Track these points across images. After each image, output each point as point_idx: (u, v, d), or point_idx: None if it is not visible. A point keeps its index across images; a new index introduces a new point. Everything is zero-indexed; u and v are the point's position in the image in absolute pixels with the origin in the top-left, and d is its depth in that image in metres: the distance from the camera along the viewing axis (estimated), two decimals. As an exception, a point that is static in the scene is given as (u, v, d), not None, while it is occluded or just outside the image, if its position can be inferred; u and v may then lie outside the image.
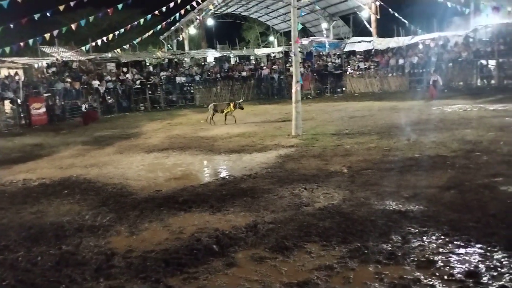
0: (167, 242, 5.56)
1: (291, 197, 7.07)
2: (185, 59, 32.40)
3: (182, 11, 24.82)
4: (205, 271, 4.71)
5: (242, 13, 43.58)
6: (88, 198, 7.88)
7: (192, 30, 37.99)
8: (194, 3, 23.93)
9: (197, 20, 34.20)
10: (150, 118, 20.84)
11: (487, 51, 24.44)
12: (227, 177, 8.81)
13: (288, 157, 10.08)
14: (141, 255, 5.20)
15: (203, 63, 33.13)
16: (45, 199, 7.96)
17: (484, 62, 24.67)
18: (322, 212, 6.25)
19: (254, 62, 32.33)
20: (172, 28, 36.35)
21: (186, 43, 36.49)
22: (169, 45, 38.48)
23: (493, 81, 23.81)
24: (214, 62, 33.31)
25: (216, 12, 38.58)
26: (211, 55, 32.84)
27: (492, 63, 24.23)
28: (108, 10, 20.61)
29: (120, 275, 4.75)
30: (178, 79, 27.75)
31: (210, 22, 40.38)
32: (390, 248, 4.94)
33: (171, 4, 21.46)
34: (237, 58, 34.10)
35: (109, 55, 28.70)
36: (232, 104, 16.96)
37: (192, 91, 27.37)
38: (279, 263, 4.81)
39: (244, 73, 28.80)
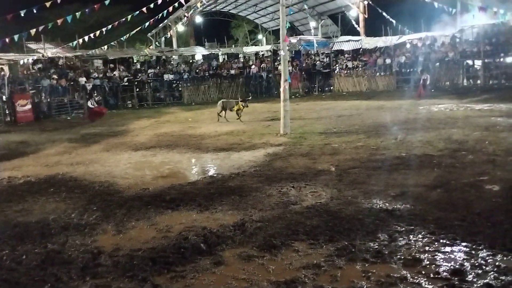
0: (154, 241, 5.53)
1: (279, 195, 7.07)
2: (173, 56, 32.25)
3: (170, 8, 24.68)
4: (193, 269, 4.69)
5: (230, 11, 43.51)
6: (74, 196, 7.80)
7: (180, 28, 37.83)
8: (182, 0, 23.78)
9: (185, 18, 34.04)
10: (138, 116, 20.71)
11: (473, 52, 24.73)
12: (215, 175, 8.78)
13: (276, 156, 10.09)
14: (128, 254, 5.17)
15: (191, 61, 33.03)
16: (31, 197, 7.86)
17: (470, 62, 24.95)
18: (310, 210, 6.27)
19: (242, 60, 32.30)
20: (160, 25, 36.16)
21: (174, 40, 36.33)
22: (157, 43, 38.27)
23: (479, 81, 24.10)
24: (202, 60, 33.23)
25: (204, 10, 38.45)
26: (199, 52, 32.74)
27: (478, 63, 24.51)
28: (95, 6, 20.42)
29: (107, 274, 4.71)
30: (166, 76, 27.65)
31: (199, 19, 40.25)
32: (377, 247, 4.97)
33: (159, 1, 21.32)
34: (226, 56, 34.04)
35: (96, 51, 28.44)
36: (241, 102, 16.81)
37: (180, 89, 27.27)
38: (267, 261, 4.81)
39: (232, 71, 28.77)
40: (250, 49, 35.40)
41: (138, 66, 30.12)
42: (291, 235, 5.41)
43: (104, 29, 24.83)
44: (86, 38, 25.10)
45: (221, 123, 16.04)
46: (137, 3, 26.34)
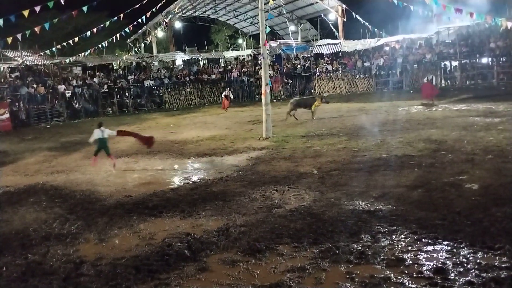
0: (137, 249, 5.49)
1: (263, 199, 7.09)
2: (153, 62, 32.05)
3: (149, 14, 24.53)
4: (177, 276, 4.67)
5: (210, 16, 43.46)
6: (55, 205, 7.69)
7: (160, 33, 37.63)
8: (161, 6, 23.65)
9: (164, 23, 33.88)
10: (119, 123, 20.48)
11: (450, 53, 25.15)
12: (198, 181, 8.76)
13: (259, 160, 10.11)
14: (111, 263, 5.11)
15: (171, 66, 32.86)
16: (10, 207, 7.73)
17: (447, 63, 25.37)
18: (293, 213, 6.29)
19: (223, 65, 32.28)
20: (140, 31, 35.91)
21: (154, 46, 36.10)
22: (136, 49, 38.02)
23: (456, 82, 24.50)
24: (183, 65, 33.09)
25: (183, 15, 38.34)
26: (179, 58, 32.61)
27: (455, 64, 24.93)
28: (73, 12, 20.17)
29: (90, 284, 4.65)
30: (146, 82, 27.45)
31: (178, 25, 40.09)
32: (360, 248, 5.02)
33: (138, 7, 21.16)
34: (206, 61, 33.96)
35: (75, 59, 28.09)
36: (318, 99, 16.57)
37: (161, 95, 27.11)
38: (251, 266, 4.81)
39: (213, 76, 28.73)
40: (230, 54, 35.37)
41: (120, 72, 29.82)
42: (275, 239, 5.42)
43: (82, 36, 24.54)
44: (65, 45, 24.76)
45: (204, 128, 15.98)
46: (115, 10, 26.13)
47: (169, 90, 27.15)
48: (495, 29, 19.12)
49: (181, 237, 5.72)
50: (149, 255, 5.23)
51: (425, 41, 26.80)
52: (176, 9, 31.36)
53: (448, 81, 25.03)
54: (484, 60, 24.47)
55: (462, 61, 24.45)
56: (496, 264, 4.43)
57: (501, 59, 23.34)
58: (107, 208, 7.30)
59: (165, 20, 33.51)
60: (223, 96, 21.96)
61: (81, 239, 5.99)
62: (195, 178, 9.08)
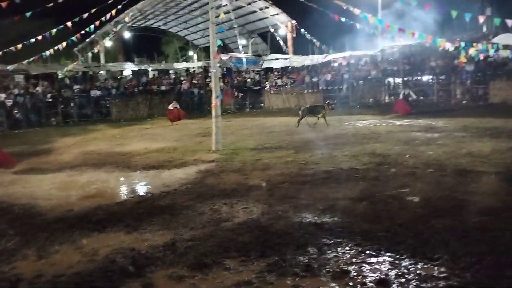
0: (79, 265, 5.28)
1: (211, 213, 7.03)
2: (101, 72, 31.29)
3: (98, 23, 23.99)
4: (121, 293, 4.53)
5: (161, 27, 43.12)
6: (-9, 220, 7.27)
7: (108, 43, 36.85)
8: (109, 15, 23.19)
9: (114, 32, 33.23)
10: (63, 134, 19.79)
11: (393, 70, 26.24)
12: (144, 194, 8.58)
13: (208, 172, 10.04)
14: (50, 280, 4.89)
15: (119, 76, 32.22)
16: None
17: (391, 80, 26.43)
18: (241, 227, 6.28)
19: (173, 76, 32.00)
20: (87, 40, 34.98)
21: (101, 55, 35.28)
22: (83, 58, 36.98)
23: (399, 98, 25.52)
24: (131, 76, 32.51)
25: (133, 25, 37.82)
26: (128, 68, 32.03)
27: (398, 81, 26.02)
28: (15, 18, 19.39)
29: (26, 303, 4.42)
30: (93, 92, 26.74)
31: (127, 34, 39.47)
32: (306, 260, 5.07)
33: (85, 15, 20.65)
34: (156, 72, 33.56)
35: (17, 66, 26.91)
36: (326, 106, 16.95)
37: (108, 105, 26.47)
38: (198, 281, 4.75)
39: (163, 87, 28.41)
40: (181, 65, 35.15)
41: (67, 82, 28.84)
42: (222, 253, 5.38)
43: (25, 43, 23.58)
44: (7, 51, 23.67)
45: (152, 140, 15.72)
46: (62, 17, 25.33)
47: (117, 100, 26.57)
48: (435, 49, 20.15)
49: (125, 253, 5.56)
50: (91, 272, 5.05)
51: (370, 58, 27.82)
52: (126, 18, 30.85)
53: (392, 97, 26.03)
54: (425, 78, 25.73)
55: (405, 78, 25.55)
56: (435, 274, 4.60)
57: (440, 77, 24.65)
58: (48, 222, 6.99)
59: (114, 29, 32.88)
60: (170, 108, 21.53)
61: (19, 256, 5.69)
62: (141, 191, 8.89)
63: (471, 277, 4.48)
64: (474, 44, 15.67)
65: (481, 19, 14.74)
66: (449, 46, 15.51)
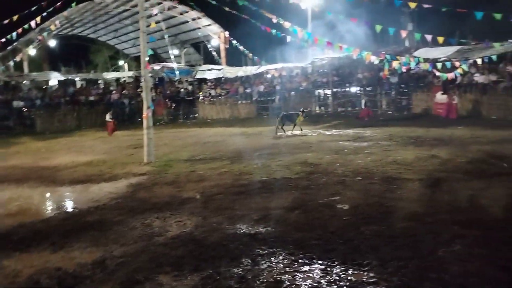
0: (-2, 289, 4.91)
1: (142, 227, 6.83)
2: (24, 81, 29.66)
3: (20, 30, 22.75)
4: (45, 317, 4.26)
5: (89, 35, 41.65)
6: None
7: (32, 51, 35.05)
8: (34, 22, 22.08)
9: (38, 41, 31.65)
10: (-19, 147, 18.46)
11: (323, 82, 27.15)
12: (71, 210, 8.19)
13: (139, 186, 9.77)
14: (-36, 308, 4.50)
15: (45, 86, 30.71)
16: None
17: (321, 91, 27.31)
18: (175, 241, 6.15)
19: (103, 86, 30.98)
20: (9, 47, 33.05)
21: (25, 64, 33.47)
22: (3, 67, 34.87)
23: (329, 109, 26.42)
24: (58, 86, 31.11)
25: (60, 33, 36.24)
26: (54, 78, 30.64)
27: (328, 92, 26.94)
28: None
29: None
30: (15, 103, 25.26)
31: (53, 43, 37.77)
32: (241, 272, 5.05)
33: (6, 21, 19.51)
34: (84, 82, 32.35)
35: None
36: (300, 113, 17.40)
37: (32, 117, 25.09)
38: (129, 299, 4.57)
39: (91, 98, 27.43)
40: (111, 75, 34.16)
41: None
42: (155, 268, 5.23)
43: None
44: None
45: (80, 153, 15.06)
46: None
47: (42, 112, 25.27)
48: (362, 61, 21.11)
49: (50, 273, 5.25)
50: (12, 296, 4.71)
51: (301, 70, 28.58)
52: (52, 26, 29.51)
53: (322, 108, 26.87)
54: (353, 89, 26.85)
55: (334, 90, 26.53)
56: (364, 279, 4.75)
57: (367, 88, 25.83)
58: (-38, 244, 6.45)
59: (38, 37, 31.34)
60: (107, 119, 20.78)
61: None
62: (68, 207, 8.48)
63: (398, 281, 4.66)
64: (398, 57, 16.59)
65: (404, 33, 15.59)
66: (374, 59, 16.29)
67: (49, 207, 8.72)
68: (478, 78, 21.11)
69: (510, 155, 10.68)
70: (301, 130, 17.41)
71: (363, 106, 22.76)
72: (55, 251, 6.03)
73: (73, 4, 20.48)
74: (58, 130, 24.06)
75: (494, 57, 17.08)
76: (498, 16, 11.55)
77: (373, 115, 21.84)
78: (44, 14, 19.46)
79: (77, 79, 31.77)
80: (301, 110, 18.03)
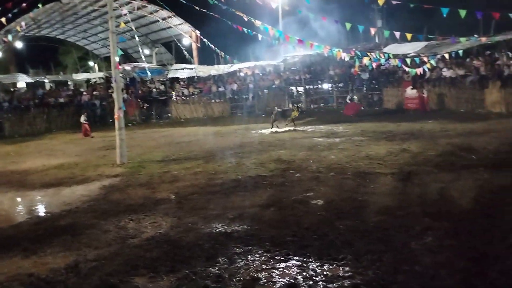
0: (-33, 298, 4.78)
1: (117, 230, 6.75)
2: (-10, 84, 28.87)
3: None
4: (17, 325, 4.17)
5: (57, 36, 40.71)
6: None
7: (-2, 53, 34.14)
8: (-1, 23, 21.49)
9: (4, 43, 30.81)
10: None
11: (295, 79, 27.31)
12: (43, 214, 8.03)
13: (112, 188, 9.64)
14: None
15: (12, 89, 29.95)
16: None
17: (294, 88, 27.46)
18: (150, 242, 6.10)
19: (73, 88, 30.39)
20: (-27, 50, 32.13)
21: (-9, 67, 32.65)
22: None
23: (302, 105, 26.58)
24: (26, 88, 30.38)
25: (27, 34, 35.33)
26: (22, 80, 29.91)
27: (300, 89, 27.11)
28: None
29: None
30: (-19, 107, 24.55)
31: (20, 44, 36.81)
32: (217, 271, 5.05)
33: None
34: (54, 84, 31.67)
35: None
36: (295, 108, 17.73)
37: (0, 120, 24.42)
38: (104, 302, 4.52)
39: (61, 100, 26.88)
40: (80, 76, 33.54)
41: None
42: (130, 271, 5.18)
43: None
44: None
45: (51, 156, 14.76)
46: None
47: (10, 115, 24.62)
48: (333, 58, 21.29)
49: (23, 279, 5.15)
50: (-18, 304, 4.60)
51: (273, 68, 28.65)
52: (17, 27, 28.75)
53: (295, 105, 26.99)
54: (325, 86, 27.10)
55: (307, 87, 26.71)
56: (340, 274, 4.81)
57: (339, 85, 26.11)
58: None
59: (4, 39, 30.50)
60: (82, 121, 20.39)
61: None
62: (40, 211, 8.31)
63: (373, 274, 4.75)
64: (368, 53, 16.81)
65: (373, 30, 15.81)
66: (345, 56, 16.47)
67: (20, 212, 8.52)
68: (446, 72, 21.63)
69: (478, 147, 10.98)
70: (294, 125, 17.56)
71: (348, 101, 22.88)
72: (27, 256, 5.90)
73: (40, 5, 19.99)
74: (27, 133, 23.48)
75: (460, 52, 17.49)
76: (463, 13, 11.82)
77: (358, 110, 21.80)
78: (9, 15, 18.93)
79: (46, 81, 31.07)
80: (296, 105, 18.26)
